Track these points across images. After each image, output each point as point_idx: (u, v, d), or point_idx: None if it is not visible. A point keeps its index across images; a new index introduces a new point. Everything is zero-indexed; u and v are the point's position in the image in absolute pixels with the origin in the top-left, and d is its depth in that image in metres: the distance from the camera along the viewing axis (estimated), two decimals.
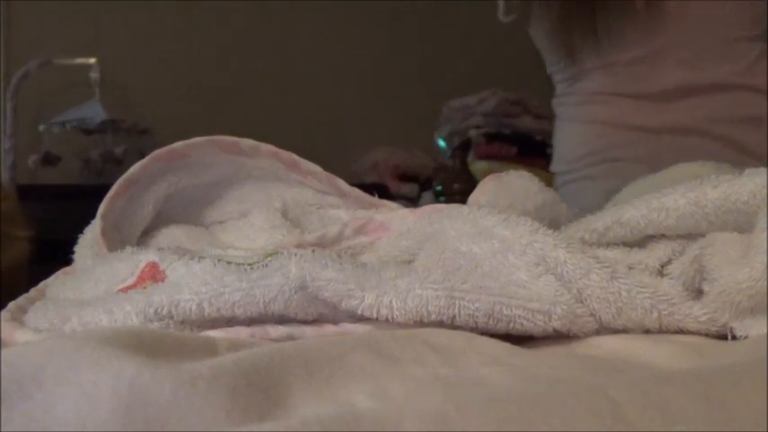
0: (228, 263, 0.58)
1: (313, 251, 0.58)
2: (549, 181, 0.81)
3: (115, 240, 0.78)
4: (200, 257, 0.61)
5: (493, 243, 0.61)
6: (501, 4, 1.38)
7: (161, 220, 0.86)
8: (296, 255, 0.57)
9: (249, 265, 0.58)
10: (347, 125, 2.57)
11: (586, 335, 0.57)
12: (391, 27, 2.70)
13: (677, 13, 1.19)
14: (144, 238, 0.84)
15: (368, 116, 2.59)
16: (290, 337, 0.55)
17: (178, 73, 2.48)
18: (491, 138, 2.21)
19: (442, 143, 2.23)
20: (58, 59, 2.28)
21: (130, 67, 2.43)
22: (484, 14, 2.76)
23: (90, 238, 0.78)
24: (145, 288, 0.59)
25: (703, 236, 0.61)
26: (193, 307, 0.56)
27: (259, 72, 2.54)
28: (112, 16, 2.47)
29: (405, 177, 2.37)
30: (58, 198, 2.10)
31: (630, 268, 0.61)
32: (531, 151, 2.22)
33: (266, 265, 0.57)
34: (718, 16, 1.20)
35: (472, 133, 2.20)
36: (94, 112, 2.28)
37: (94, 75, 2.29)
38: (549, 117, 2.29)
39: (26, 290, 0.69)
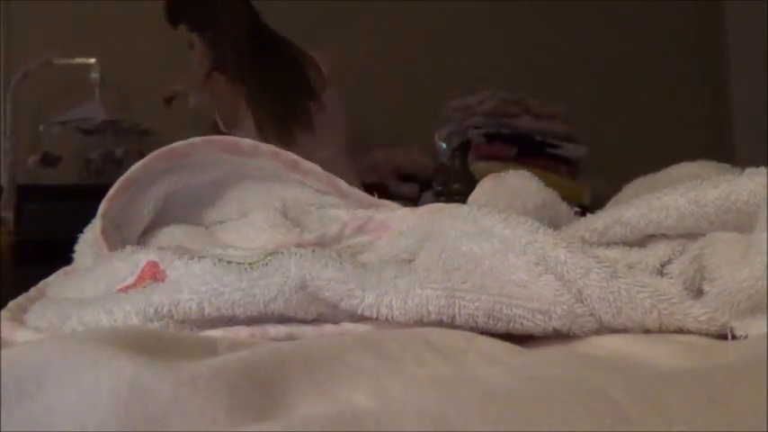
0: (228, 262, 0.58)
1: (313, 251, 0.58)
2: (549, 181, 0.82)
3: (115, 240, 0.78)
4: (201, 257, 0.61)
5: (493, 243, 0.61)
6: None
7: (161, 219, 0.86)
8: (296, 254, 0.57)
9: (249, 264, 0.58)
10: (347, 125, 2.57)
11: (586, 334, 0.57)
12: (391, 27, 2.70)
13: (317, 134, 1.97)
14: (144, 237, 0.84)
15: (368, 116, 2.58)
16: (290, 337, 0.55)
17: (178, 73, 2.48)
18: (491, 138, 2.20)
19: (442, 144, 2.23)
20: (58, 59, 2.28)
21: (130, 67, 2.43)
22: (484, 14, 2.77)
23: (90, 238, 0.78)
24: (145, 287, 0.59)
25: (703, 235, 0.61)
26: (193, 306, 0.56)
27: None
28: (112, 16, 2.46)
29: (405, 177, 2.37)
30: (58, 198, 2.09)
31: (630, 267, 0.61)
32: (531, 151, 2.22)
33: (266, 265, 0.57)
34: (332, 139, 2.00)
35: (472, 133, 2.20)
36: (94, 112, 2.28)
37: (94, 75, 2.29)
38: (549, 117, 2.30)
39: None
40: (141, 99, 2.46)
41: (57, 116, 2.31)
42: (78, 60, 2.32)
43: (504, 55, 2.76)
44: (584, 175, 2.30)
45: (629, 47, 2.84)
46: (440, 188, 2.03)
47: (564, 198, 0.81)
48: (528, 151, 2.23)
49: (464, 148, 2.13)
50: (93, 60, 2.31)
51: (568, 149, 2.27)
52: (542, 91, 2.39)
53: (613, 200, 0.89)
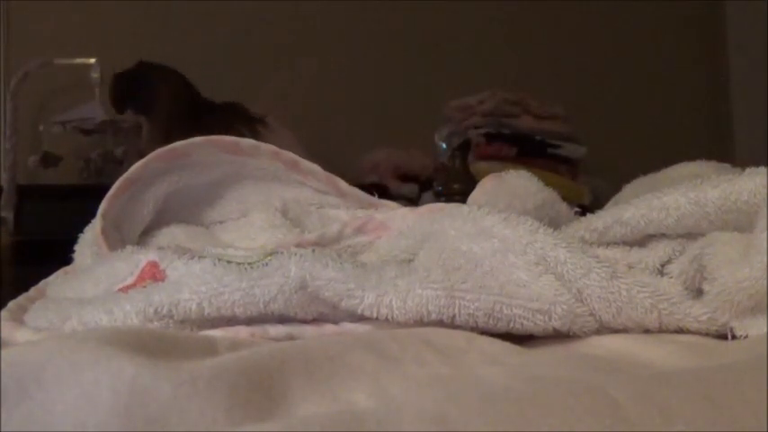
0: (228, 262, 0.58)
1: (313, 250, 0.58)
2: (548, 181, 0.82)
3: (115, 239, 0.78)
4: (201, 257, 0.61)
5: (493, 242, 0.61)
6: None
7: (161, 219, 0.86)
8: (296, 254, 0.57)
9: (249, 264, 0.58)
10: (347, 125, 2.57)
11: (586, 334, 0.57)
12: (391, 27, 2.70)
13: None
14: (144, 237, 0.84)
15: (368, 116, 2.58)
16: (290, 337, 0.55)
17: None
18: (491, 138, 2.20)
19: (442, 144, 2.23)
20: (58, 59, 2.27)
21: None
22: (484, 14, 2.76)
23: (90, 238, 0.78)
24: (145, 287, 0.59)
25: (703, 235, 0.61)
26: (193, 306, 0.56)
27: (259, 73, 2.53)
28: (112, 16, 2.46)
29: (405, 178, 2.37)
30: (58, 198, 2.09)
31: (630, 267, 0.61)
32: (531, 151, 2.21)
33: (266, 265, 0.57)
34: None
35: (472, 133, 2.20)
36: (94, 112, 2.27)
37: (94, 75, 2.29)
38: (549, 117, 2.30)
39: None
40: None
41: (57, 116, 2.30)
42: (78, 60, 2.31)
43: (504, 55, 2.75)
44: (584, 175, 2.30)
45: (629, 47, 2.84)
46: (440, 188, 2.03)
47: (564, 198, 0.81)
48: (528, 151, 2.23)
49: (464, 148, 2.13)
50: (93, 60, 2.30)
51: (568, 149, 2.27)
52: (542, 91, 2.39)
53: (613, 200, 0.89)
